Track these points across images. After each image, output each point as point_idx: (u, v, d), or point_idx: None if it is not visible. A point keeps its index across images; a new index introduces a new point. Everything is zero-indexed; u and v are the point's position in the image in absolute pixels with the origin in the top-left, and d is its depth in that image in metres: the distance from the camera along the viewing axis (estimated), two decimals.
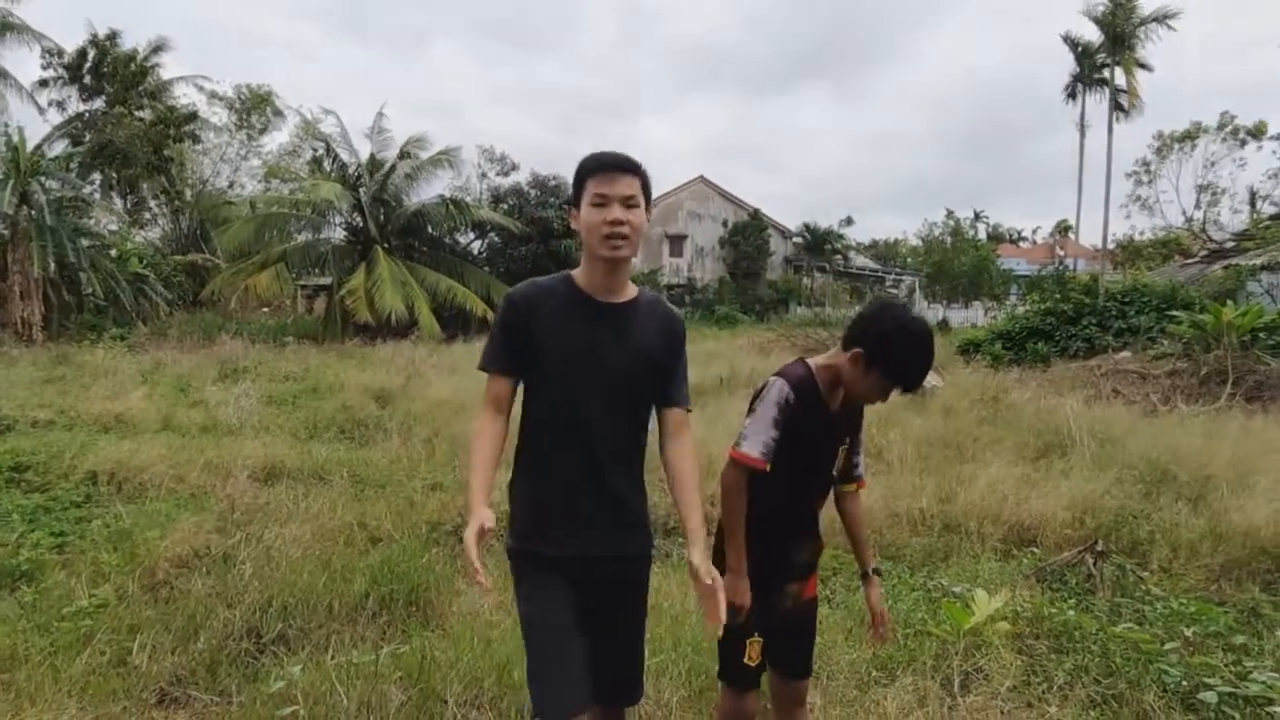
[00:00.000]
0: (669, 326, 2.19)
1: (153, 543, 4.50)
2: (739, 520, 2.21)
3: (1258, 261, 20.41)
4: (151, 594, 4.03)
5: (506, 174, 33.34)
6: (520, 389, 2.15)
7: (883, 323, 2.14)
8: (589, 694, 2.03)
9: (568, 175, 2.28)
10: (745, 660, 2.28)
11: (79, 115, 28.31)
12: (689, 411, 2.23)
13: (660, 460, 2.22)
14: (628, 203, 2.03)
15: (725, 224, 40.73)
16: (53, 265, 19.22)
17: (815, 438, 2.25)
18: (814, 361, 2.28)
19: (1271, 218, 26.12)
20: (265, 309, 28.66)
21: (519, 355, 2.09)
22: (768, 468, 2.17)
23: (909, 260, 55.57)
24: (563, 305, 2.09)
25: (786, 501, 2.28)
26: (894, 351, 2.11)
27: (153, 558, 4.32)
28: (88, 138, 26.29)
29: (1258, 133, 30.19)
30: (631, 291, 2.16)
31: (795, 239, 42.41)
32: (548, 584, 2.07)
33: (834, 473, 2.36)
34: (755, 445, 2.18)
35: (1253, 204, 31.39)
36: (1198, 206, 31.69)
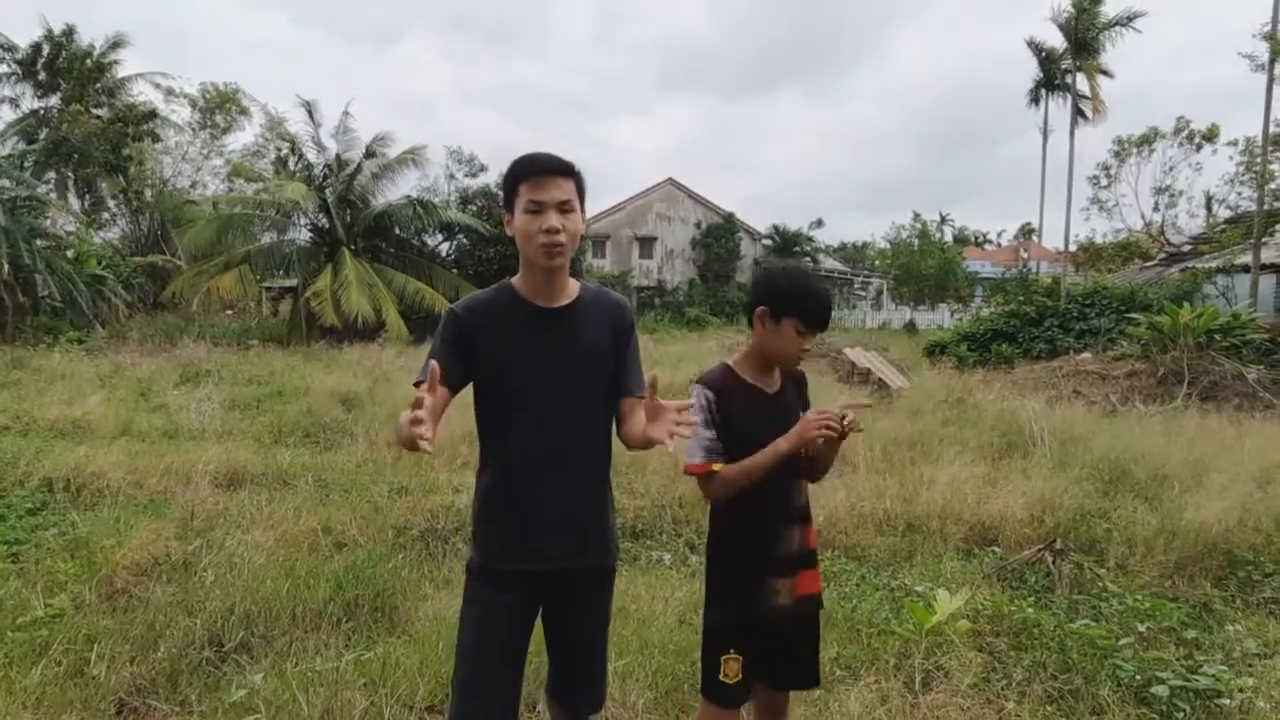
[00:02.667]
0: (617, 317, 2.14)
1: (110, 550, 4.41)
2: (742, 486, 2.15)
3: (1214, 264, 20.93)
4: (109, 603, 3.95)
5: (475, 175, 33.15)
6: (474, 408, 2.09)
7: (766, 274, 2.26)
8: None
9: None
10: (721, 678, 2.22)
11: (33, 112, 27.69)
12: (643, 397, 2.16)
13: (621, 438, 2.13)
14: (563, 208, 1.96)
15: (698, 225, 40.85)
16: (6, 267, 18.74)
17: (761, 424, 2.20)
18: (734, 359, 2.32)
19: (1227, 222, 26.79)
20: (229, 311, 28.18)
21: (459, 370, 2.01)
22: (715, 466, 2.16)
23: (877, 262, 56.19)
24: (506, 316, 2.03)
25: (763, 487, 2.19)
26: (784, 290, 2.19)
27: (110, 566, 4.24)
28: (42, 135, 25.70)
29: (1210, 136, 30.96)
30: (573, 291, 2.10)
31: (765, 241, 42.68)
32: (496, 613, 2.03)
33: (806, 451, 2.27)
34: (695, 453, 2.18)
35: (1209, 208, 32.17)
36: (1155, 210, 32.41)
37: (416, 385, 2.02)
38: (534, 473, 2.03)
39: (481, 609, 2.06)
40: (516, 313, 2.04)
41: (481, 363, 2.01)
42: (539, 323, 2.04)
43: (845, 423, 2.10)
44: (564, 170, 1.98)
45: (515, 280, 2.09)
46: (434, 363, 1.80)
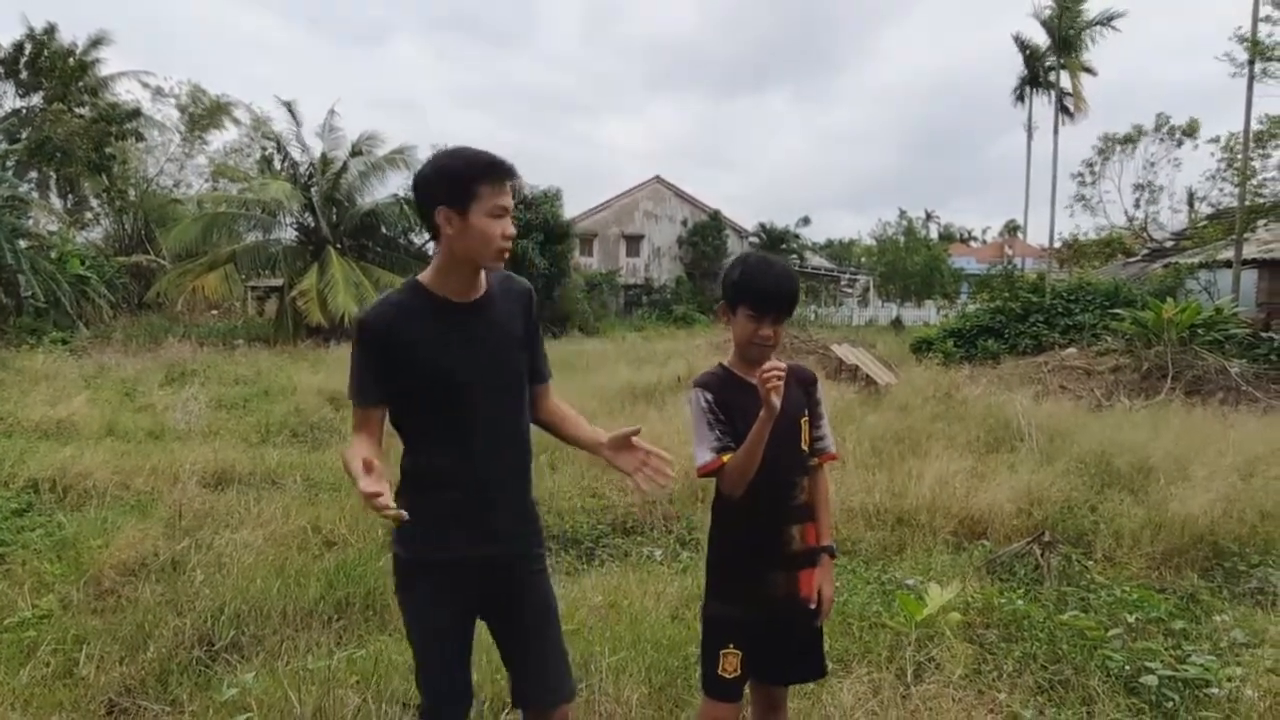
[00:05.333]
0: (523, 301, 2.18)
1: (97, 551, 4.38)
2: (750, 467, 2.13)
3: (1196, 260, 21.12)
4: (98, 603, 3.92)
5: None
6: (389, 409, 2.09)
7: (724, 271, 2.29)
8: (471, 694, 2.17)
9: (525, 177, 2.27)
10: (720, 672, 2.22)
11: (15, 112, 27.34)
12: (549, 378, 2.29)
13: (541, 422, 2.25)
14: (512, 212, 2.01)
15: (684, 223, 40.87)
16: None
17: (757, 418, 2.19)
18: (728, 358, 2.33)
19: (1209, 218, 27.02)
20: (214, 311, 27.96)
21: (388, 381, 1.99)
22: (725, 458, 2.15)
23: (863, 260, 56.38)
24: (423, 317, 2.00)
25: (760, 483, 2.17)
26: (733, 281, 2.21)
27: (98, 566, 4.21)
28: (24, 135, 25.41)
29: (1191, 131, 31.20)
30: (483, 283, 2.09)
31: (752, 239, 42.74)
32: (433, 599, 2.05)
33: (805, 447, 2.28)
34: (704, 452, 2.18)
35: (1191, 205, 32.43)
36: (1137, 206, 32.64)
37: (354, 406, 2.04)
38: (469, 465, 2.02)
39: (418, 604, 2.08)
40: (435, 312, 2.01)
41: (407, 367, 1.98)
42: (459, 319, 2.03)
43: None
44: (515, 174, 2.01)
45: (426, 279, 2.05)
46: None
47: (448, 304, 2.02)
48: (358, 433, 2.03)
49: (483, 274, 2.07)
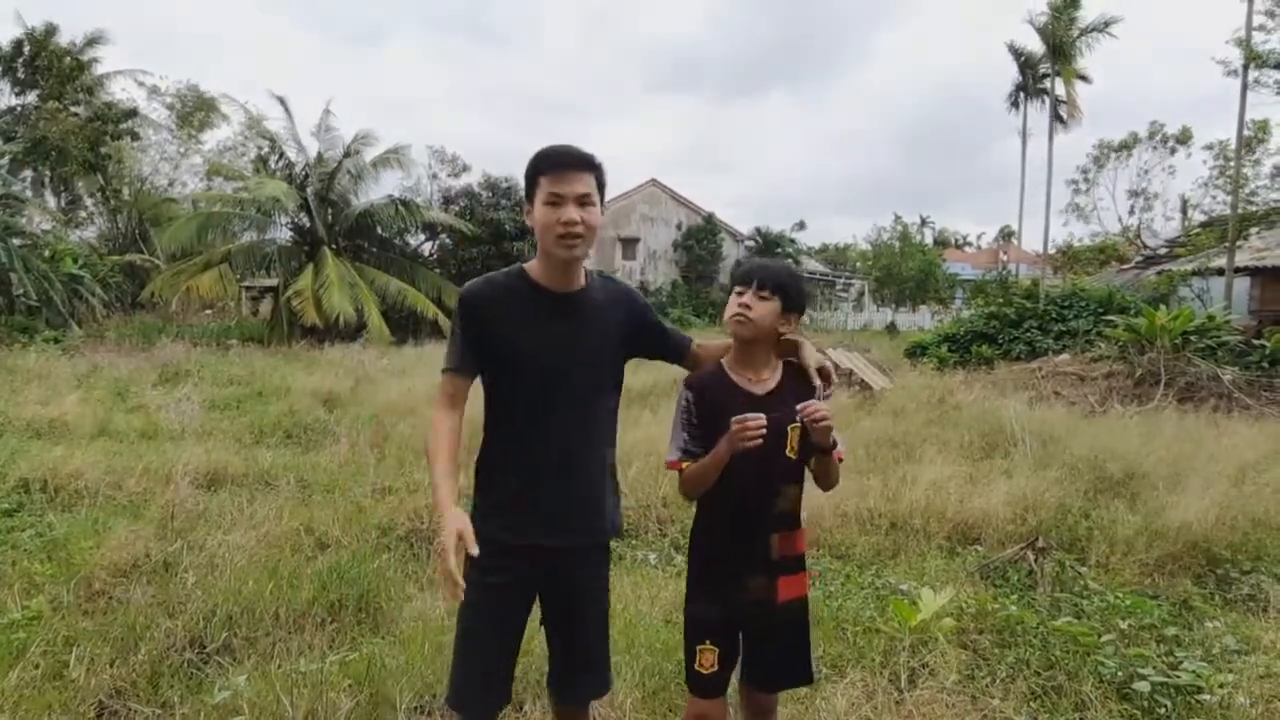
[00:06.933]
0: (628, 303, 2.25)
1: (89, 552, 4.36)
2: (704, 484, 2.21)
3: (1189, 267, 21.24)
4: (88, 604, 3.89)
5: (458, 175, 32.94)
6: (481, 383, 2.16)
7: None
8: (509, 694, 2.19)
9: (520, 177, 2.30)
10: (697, 667, 2.25)
11: (10, 109, 27.28)
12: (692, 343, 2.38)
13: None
14: (583, 201, 2.01)
15: (679, 227, 40.90)
16: None
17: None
18: (726, 358, 2.32)
19: (1201, 225, 27.18)
20: (208, 311, 27.89)
21: (480, 354, 2.10)
22: (683, 465, 2.22)
23: (858, 264, 56.51)
24: (520, 300, 2.09)
25: (740, 489, 2.19)
26: (732, 271, 2.34)
27: (89, 567, 4.18)
28: (20, 133, 25.33)
29: (1184, 139, 31.38)
30: (584, 279, 2.16)
31: (747, 243, 42.79)
32: (495, 585, 2.06)
33: (792, 454, 2.24)
34: (672, 450, 2.26)
35: (1184, 212, 32.65)
36: (1131, 213, 32.83)
37: (444, 373, 2.12)
38: (545, 452, 2.08)
39: (479, 587, 2.06)
40: (529, 297, 2.09)
41: (493, 346, 2.07)
42: (554, 308, 2.10)
43: (807, 415, 2.10)
44: (585, 164, 2.04)
45: (529, 266, 2.14)
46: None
47: (543, 291, 2.10)
48: (441, 406, 2.10)
49: (580, 269, 2.13)
